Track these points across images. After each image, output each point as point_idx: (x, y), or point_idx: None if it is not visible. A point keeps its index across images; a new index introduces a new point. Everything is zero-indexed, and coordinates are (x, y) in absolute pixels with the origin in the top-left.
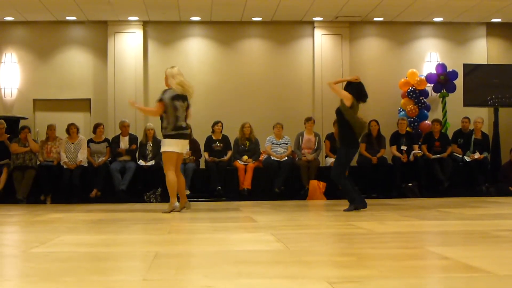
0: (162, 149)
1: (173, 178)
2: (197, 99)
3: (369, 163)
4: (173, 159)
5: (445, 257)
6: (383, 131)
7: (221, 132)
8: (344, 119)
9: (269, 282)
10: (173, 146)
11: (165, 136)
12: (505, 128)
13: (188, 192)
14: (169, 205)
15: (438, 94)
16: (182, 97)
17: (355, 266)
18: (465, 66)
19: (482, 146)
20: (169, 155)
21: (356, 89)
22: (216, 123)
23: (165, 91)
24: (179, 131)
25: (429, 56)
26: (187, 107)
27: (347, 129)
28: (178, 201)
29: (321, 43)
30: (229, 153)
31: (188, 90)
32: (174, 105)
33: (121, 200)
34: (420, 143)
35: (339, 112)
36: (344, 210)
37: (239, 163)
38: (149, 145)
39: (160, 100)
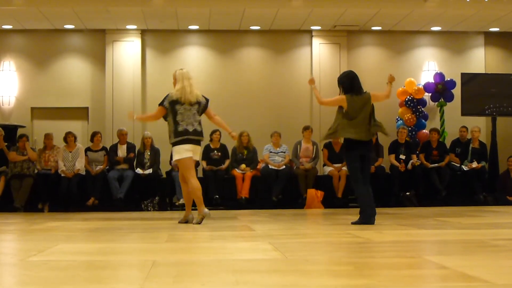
0: (174, 158)
1: (197, 184)
2: None
3: None
4: (189, 164)
5: (443, 266)
6: (380, 140)
7: (219, 140)
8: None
9: None
10: (183, 153)
11: (172, 144)
12: (503, 137)
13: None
14: (198, 213)
15: (436, 103)
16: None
17: (353, 275)
18: (463, 75)
19: (479, 155)
20: (184, 162)
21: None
22: (214, 131)
23: (167, 95)
24: (183, 136)
25: (427, 65)
26: (201, 110)
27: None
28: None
29: (319, 52)
30: (227, 162)
31: (188, 98)
32: (174, 110)
33: (118, 208)
34: (418, 152)
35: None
36: (352, 223)
37: (237, 172)
38: (147, 154)
39: (161, 104)
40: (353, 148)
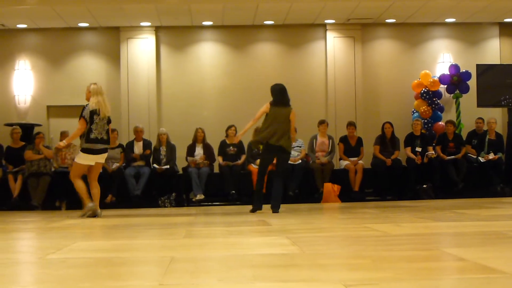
0: (76, 159)
1: (81, 184)
2: (210, 104)
3: (383, 165)
4: (81, 170)
5: (461, 258)
6: (396, 133)
7: (234, 136)
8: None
9: (284, 286)
10: (82, 159)
11: (81, 150)
12: None
13: (202, 196)
14: (85, 208)
15: (452, 95)
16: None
17: (371, 269)
18: (478, 66)
19: (496, 146)
20: (79, 167)
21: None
22: (229, 127)
23: (85, 107)
24: (91, 145)
25: (442, 57)
26: (108, 122)
27: None
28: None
29: (334, 45)
30: (243, 157)
31: (104, 112)
32: (92, 119)
33: (136, 205)
34: (434, 144)
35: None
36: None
37: (253, 167)
38: (163, 150)
39: (82, 117)
40: (267, 149)
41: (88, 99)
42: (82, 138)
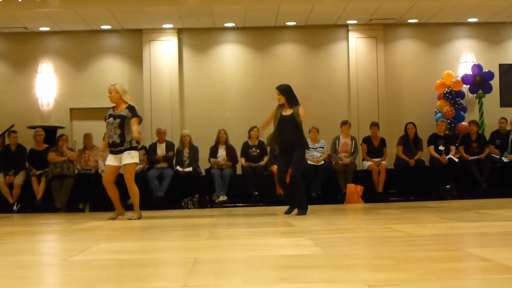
0: (133, 161)
1: (137, 189)
2: (233, 105)
3: (406, 166)
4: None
5: (485, 258)
6: (419, 133)
7: (257, 137)
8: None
9: (308, 287)
10: (138, 158)
11: (135, 148)
12: None
13: (225, 198)
14: (137, 212)
15: (475, 95)
16: (114, 115)
17: (394, 269)
18: (501, 66)
19: None
20: (135, 166)
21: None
22: (252, 128)
23: (134, 107)
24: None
25: (464, 57)
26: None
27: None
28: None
29: (356, 46)
30: (266, 159)
31: None
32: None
33: (159, 207)
34: (457, 144)
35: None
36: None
37: (275, 168)
38: (186, 152)
39: (138, 115)
40: None
41: (117, 100)
42: (129, 137)
